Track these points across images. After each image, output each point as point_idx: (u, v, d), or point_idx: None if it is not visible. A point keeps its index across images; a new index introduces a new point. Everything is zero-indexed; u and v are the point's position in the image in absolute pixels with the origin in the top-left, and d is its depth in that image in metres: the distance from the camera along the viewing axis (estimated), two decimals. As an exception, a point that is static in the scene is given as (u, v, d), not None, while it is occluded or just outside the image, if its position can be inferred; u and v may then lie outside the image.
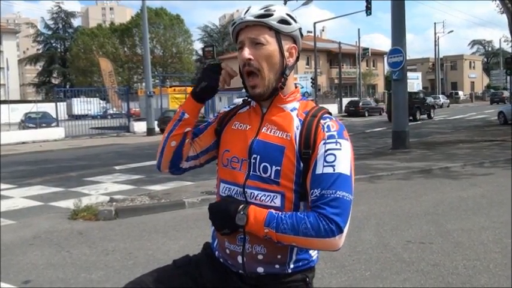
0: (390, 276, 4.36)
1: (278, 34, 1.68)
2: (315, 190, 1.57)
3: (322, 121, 1.67)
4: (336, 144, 1.61)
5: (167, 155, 1.81)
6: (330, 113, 1.73)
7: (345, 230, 1.54)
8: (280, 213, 1.58)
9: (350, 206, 1.58)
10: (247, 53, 1.66)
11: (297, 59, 1.76)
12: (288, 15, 1.69)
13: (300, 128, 1.67)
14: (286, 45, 1.71)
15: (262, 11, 1.66)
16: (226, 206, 1.63)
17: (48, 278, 4.66)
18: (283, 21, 1.68)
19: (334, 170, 1.58)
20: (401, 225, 6.09)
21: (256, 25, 1.66)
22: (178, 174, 1.93)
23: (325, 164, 1.59)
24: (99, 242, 5.88)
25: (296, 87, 1.79)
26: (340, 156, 1.60)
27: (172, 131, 1.78)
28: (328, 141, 1.61)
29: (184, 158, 1.83)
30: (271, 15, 1.66)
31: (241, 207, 1.60)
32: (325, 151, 1.60)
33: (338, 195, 1.55)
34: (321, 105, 1.78)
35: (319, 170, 1.59)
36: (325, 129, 1.64)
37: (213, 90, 1.77)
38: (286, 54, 1.71)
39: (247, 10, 1.68)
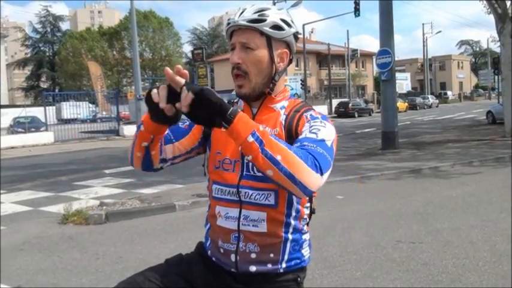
0: (381, 275, 4.38)
1: (270, 39, 1.69)
2: (297, 143, 1.56)
3: (305, 113, 1.71)
4: (321, 123, 1.65)
5: (136, 162, 1.79)
6: (313, 109, 1.76)
7: (324, 178, 1.50)
8: None
9: (329, 167, 1.54)
10: (236, 57, 1.68)
11: (290, 61, 1.78)
12: (282, 20, 1.69)
13: (283, 121, 1.71)
14: (278, 50, 1.71)
15: (255, 16, 1.66)
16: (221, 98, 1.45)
17: (38, 283, 4.63)
18: (276, 27, 1.68)
19: (317, 136, 1.58)
20: (392, 225, 6.13)
21: (248, 29, 1.67)
22: (154, 172, 1.89)
23: (310, 132, 1.61)
24: (89, 246, 5.86)
25: (285, 87, 1.81)
26: (323, 130, 1.61)
27: (134, 143, 1.74)
28: (312, 120, 1.66)
29: (155, 164, 1.80)
30: (264, 20, 1.66)
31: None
32: (310, 126, 1.63)
33: (319, 150, 1.52)
34: (307, 102, 1.82)
35: (303, 136, 1.60)
36: (308, 117, 1.69)
37: (166, 119, 1.55)
38: (277, 59, 1.72)
39: (242, 12, 1.68)
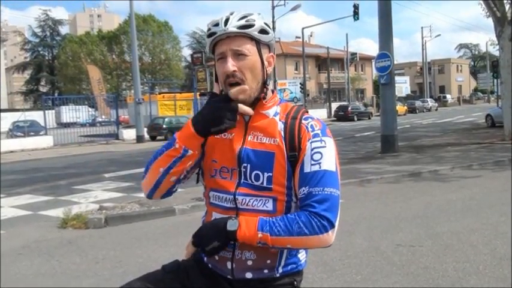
0: (381, 279, 4.37)
1: (258, 44, 1.69)
2: (303, 188, 1.60)
3: (304, 122, 1.70)
4: (321, 142, 1.65)
5: (163, 188, 1.72)
6: (307, 112, 1.77)
7: (336, 225, 1.57)
8: (270, 218, 1.59)
9: (338, 201, 1.60)
10: (231, 64, 1.64)
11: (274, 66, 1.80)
12: (265, 24, 1.70)
13: (283, 131, 1.69)
14: (265, 54, 1.72)
15: (243, 22, 1.65)
16: (215, 220, 1.64)
17: (38, 288, 4.62)
18: (262, 31, 1.68)
19: (320, 168, 1.60)
20: (392, 229, 6.12)
21: (237, 36, 1.65)
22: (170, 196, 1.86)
23: (312, 162, 1.61)
24: (89, 250, 5.84)
25: (273, 92, 1.79)
26: (325, 154, 1.63)
27: (172, 168, 1.65)
28: (313, 139, 1.65)
29: (175, 186, 1.76)
30: (252, 25, 1.65)
31: (231, 217, 1.60)
32: (312, 150, 1.63)
33: (326, 192, 1.57)
34: (299, 105, 1.83)
35: (306, 169, 1.61)
36: (310, 129, 1.67)
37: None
38: (266, 63, 1.72)
39: (227, 20, 1.65)
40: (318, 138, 1.65)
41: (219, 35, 1.66)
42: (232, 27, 1.64)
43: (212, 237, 1.58)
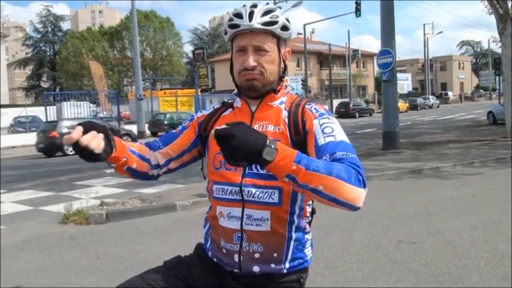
0: (382, 276, 4.37)
1: (279, 40, 1.72)
2: (327, 155, 1.52)
3: (307, 106, 1.73)
4: (329, 119, 1.67)
5: (131, 177, 1.85)
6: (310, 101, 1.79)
7: (366, 189, 1.46)
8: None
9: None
10: (251, 60, 1.67)
11: None
12: (286, 20, 1.72)
13: (287, 118, 1.71)
14: (283, 49, 1.75)
15: (268, 18, 1.66)
16: (253, 137, 1.36)
17: (39, 283, 4.62)
18: (284, 28, 1.70)
19: (335, 139, 1.58)
20: (393, 225, 6.11)
21: (260, 32, 1.67)
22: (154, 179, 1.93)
23: (325, 135, 1.60)
24: (90, 246, 5.85)
25: (282, 84, 1.82)
26: (336, 128, 1.63)
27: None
28: (320, 118, 1.67)
29: (149, 172, 1.84)
30: (276, 22, 1.67)
31: (269, 140, 1.37)
32: (321, 125, 1.64)
33: (351, 156, 1.51)
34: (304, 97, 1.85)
35: (321, 141, 1.59)
36: (314, 111, 1.70)
37: (90, 154, 1.53)
38: (283, 58, 1.76)
39: (251, 14, 1.65)
40: (325, 116, 1.68)
41: (242, 29, 1.67)
42: (257, 23, 1.65)
43: (245, 158, 1.36)
